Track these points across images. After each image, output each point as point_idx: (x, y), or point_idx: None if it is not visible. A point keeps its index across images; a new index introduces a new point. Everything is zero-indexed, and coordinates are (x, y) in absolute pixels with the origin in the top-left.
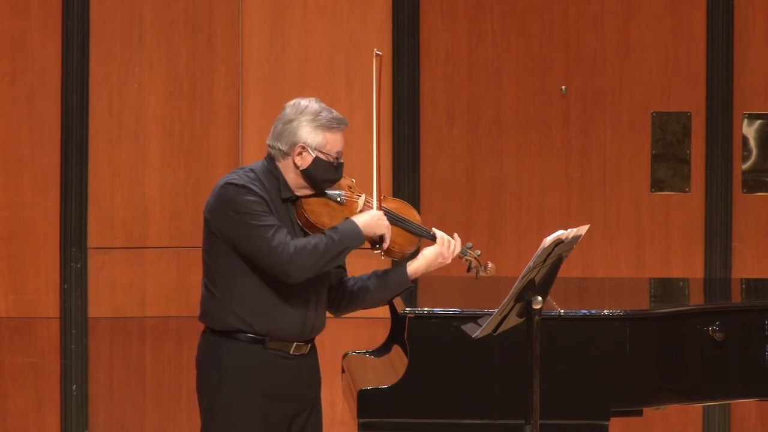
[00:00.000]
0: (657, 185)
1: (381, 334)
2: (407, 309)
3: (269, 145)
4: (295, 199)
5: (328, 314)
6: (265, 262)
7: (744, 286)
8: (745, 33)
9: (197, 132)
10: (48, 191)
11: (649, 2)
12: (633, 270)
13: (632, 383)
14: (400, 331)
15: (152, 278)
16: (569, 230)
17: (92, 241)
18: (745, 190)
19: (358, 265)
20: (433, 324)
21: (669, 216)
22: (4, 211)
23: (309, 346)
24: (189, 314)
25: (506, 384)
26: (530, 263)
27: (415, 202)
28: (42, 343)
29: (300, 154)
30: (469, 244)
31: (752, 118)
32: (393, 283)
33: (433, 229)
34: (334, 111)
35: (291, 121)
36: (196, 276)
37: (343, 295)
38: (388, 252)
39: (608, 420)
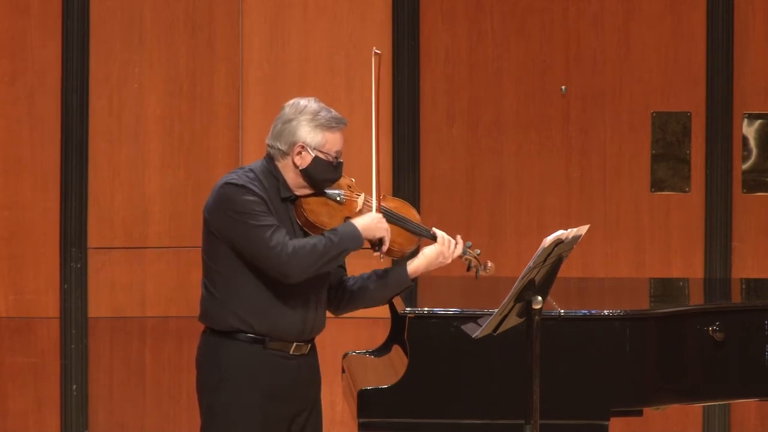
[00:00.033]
0: (657, 185)
1: (381, 334)
2: (407, 309)
3: (268, 145)
4: (294, 199)
5: (328, 314)
6: (263, 262)
7: (744, 286)
8: (745, 33)
9: (197, 132)
10: (48, 191)
11: (649, 2)
12: (633, 270)
13: (632, 383)
14: (400, 331)
15: (152, 278)
16: (569, 230)
17: (92, 241)
18: (745, 190)
19: (358, 265)
20: (433, 324)
21: (669, 216)
22: (4, 211)
23: (309, 346)
24: (189, 314)
25: (506, 384)
26: (530, 263)
27: (415, 202)
28: (42, 343)
29: (299, 153)
30: (469, 243)
31: (752, 118)
32: (393, 282)
33: (433, 228)
34: (333, 110)
35: (290, 120)
36: (196, 276)
37: (342, 295)
38: (387, 252)
39: (608, 420)
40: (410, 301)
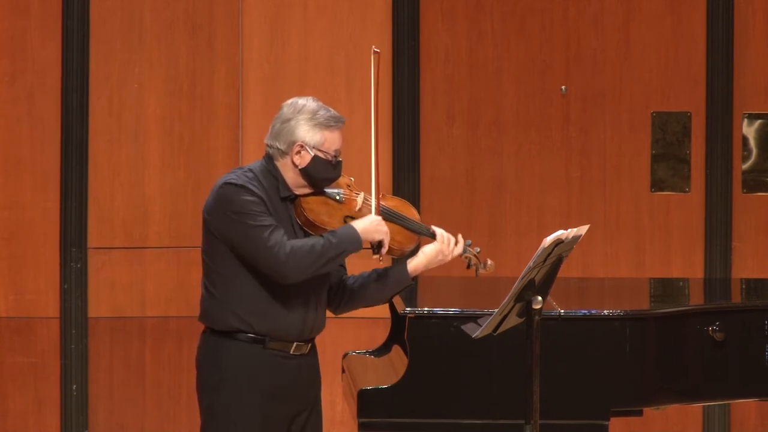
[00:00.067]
0: (657, 185)
1: (381, 334)
2: (407, 309)
3: (267, 145)
4: (294, 198)
5: (327, 314)
6: (261, 262)
7: (744, 286)
8: (745, 33)
9: (197, 132)
10: (48, 191)
11: (649, 2)
12: (633, 270)
13: (632, 383)
14: (400, 331)
15: (152, 278)
16: (569, 230)
17: (92, 241)
18: (745, 190)
19: (358, 265)
20: (433, 324)
21: (669, 216)
22: (4, 211)
23: (309, 345)
24: (189, 314)
25: (506, 384)
26: (530, 263)
27: (415, 202)
28: (42, 343)
29: (298, 152)
30: (469, 242)
31: (752, 118)
32: (393, 280)
33: (433, 226)
34: (331, 109)
35: (289, 120)
36: (196, 276)
37: (342, 294)
38: (387, 251)
39: (608, 420)
40: (410, 301)
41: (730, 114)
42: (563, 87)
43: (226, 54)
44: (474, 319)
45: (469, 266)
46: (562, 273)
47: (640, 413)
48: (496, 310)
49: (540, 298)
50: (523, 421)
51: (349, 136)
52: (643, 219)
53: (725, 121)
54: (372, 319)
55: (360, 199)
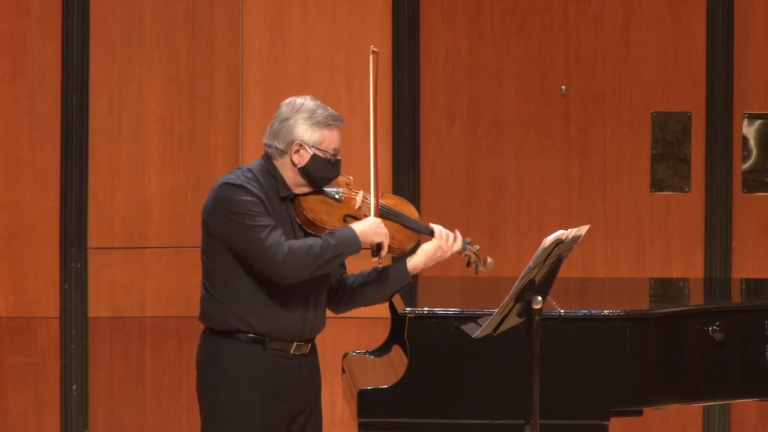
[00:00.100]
0: (657, 185)
1: (381, 334)
2: (407, 309)
3: (266, 144)
4: (293, 198)
5: (328, 313)
6: (259, 262)
7: (744, 286)
8: (745, 33)
9: (197, 132)
10: (48, 191)
11: (649, 2)
12: (633, 270)
13: (632, 383)
14: (400, 331)
15: (152, 278)
16: (569, 230)
17: (92, 241)
18: (745, 190)
19: (359, 265)
20: (433, 324)
21: (669, 216)
22: (4, 211)
23: (309, 345)
24: (189, 314)
25: (506, 384)
26: (530, 263)
27: (415, 202)
28: (42, 343)
29: (297, 151)
30: (468, 239)
31: (752, 118)
32: (393, 279)
33: (431, 224)
34: (329, 108)
35: (287, 119)
36: (196, 276)
37: (342, 293)
38: (387, 250)
39: (608, 420)
40: (410, 301)
41: (730, 114)
42: (563, 87)
43: (226, 54)
44: (474, 319)
45: (468, 264)
46: (562, 273)
47: (640, 413)
48: (496, 310)
49: (540, 298)
50: (523, 421)
51: (348, 135)
52: (643, 219)
53: (725, 121)
54: (372, 319)
55: (359, 197)
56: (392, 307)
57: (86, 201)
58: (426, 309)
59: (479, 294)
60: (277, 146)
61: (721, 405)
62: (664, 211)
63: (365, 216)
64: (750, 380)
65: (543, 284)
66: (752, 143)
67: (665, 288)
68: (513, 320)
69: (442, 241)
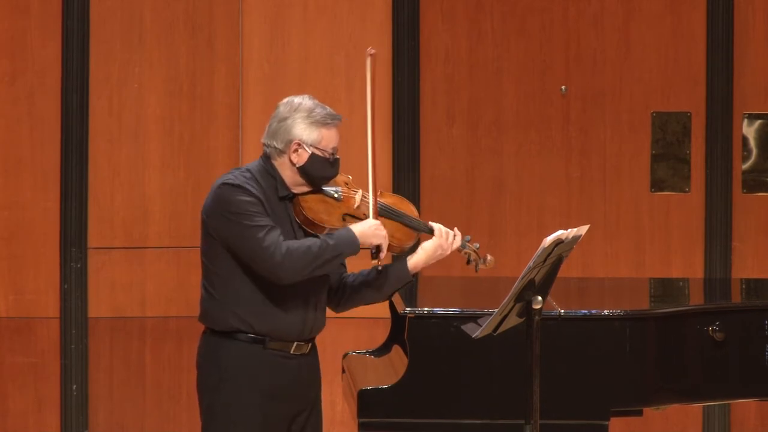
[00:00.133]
0: (657, 185)
1: (381, 334)
2: (407, 309)
3: (264, 144)
4: (292, 197)
5: (328, 313)
6: (257, 262)
7: (744, 286)
8: (745, 33)
9: (197, 132)
10: (48, 191)
11: (649, 2)
12: (633, 270)
13: (632, 383)
14: (400, 331)
15: (152, 278)
16: (569, 230)
17: (92, 241)
18: (745, 190)
19: (359, 265)
20: (433, 324)
21: (669, 216)
22: (4, 211)
23: (309, 345)
24: (189, 314)
25: (506, 384)
26: (530, 263)
27: (415, 202)
28: (42, 343)
29: (296, 151)
30: (468, 237)
31: (752, 118)
32: (393, 277)
33: (431, 222)
34: (327, 107)
35: (285, 118)
36: (196, 276)
37: (343, 292)
38: (387, 248)
39: (608, 420)
40: (410, 301)
41: (730, 114)
42: (563, 87)
43: (226, 54)
44: (474, 319)
45: (468, 262)
46: (562, 273)
47: (640, 413)
48: (496, 310)
49: (540, 298)
50: (523, 421)
51: (349, 135)
52: (643, 219)
53: (725, 121)
54: (372, 319)
55: (358, 196)
56: (392, 307)
57: (86, 201)
58: (426, 309)
59: (479, 294)
60: (276, 146)
61: (721, 405)
62: (664, 211)
63: (364, 215)
64: (750, 380)
65: (543, 284)
66: (752, 143)
67: (665, 288)
68: (513, 320)
69: (442, 240)
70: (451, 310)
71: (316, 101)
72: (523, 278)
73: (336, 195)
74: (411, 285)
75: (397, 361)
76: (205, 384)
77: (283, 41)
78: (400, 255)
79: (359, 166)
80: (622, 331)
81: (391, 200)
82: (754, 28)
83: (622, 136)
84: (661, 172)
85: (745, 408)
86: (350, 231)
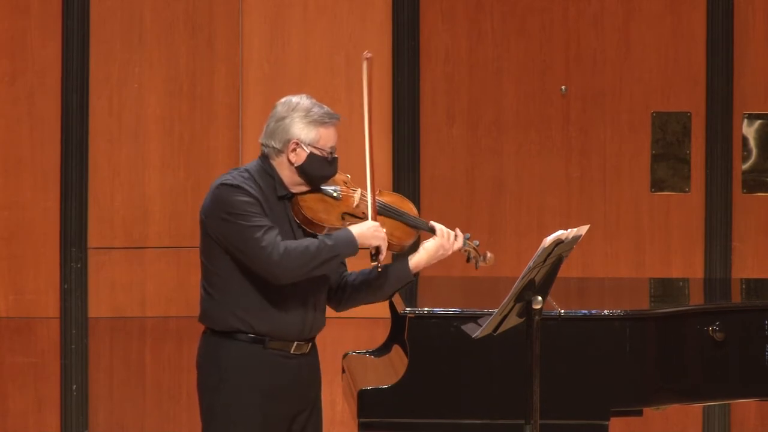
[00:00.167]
0: (657, 185)
1: (381, 334)
2: (407, 309)
3: (263, 144)
4: (290, 197)
5: (328, 313)
6: (255, 262)
7: (744, 286)
8: (745, 33)
9: (197, 132)
10: (48, 191)
11: (649, 2)
12: (633, 270)
13: (632, 383)
14: (400, 331)
15: (152, 278)
16: (569, 230)
17: (92, 241)
18: (745, 190)
19: (359, 265)
20: (433, 324)
21: (669, 216)
22: (4, 211)
23: (309, 345)
24: (189, 314)
25: (506, 384)
26: (530, 263)
27: (415, 202)
28: (42, 343)
29: (294, 150)
30: (468, 235)
31: (752, 118)
32: (394, 277)
33: (431, 221)
34: (325, 106)
35: (283, 118)
36: (196, 276)
37: (343, 291)
38: (387, 246)
39: (608, 420)
40: (410, 301)
41: (730, 114)
42: (563, 87)
43: (226, 54)
44: (474, 319)
45: (468, 259)
46: (562, 273)
47: (640, 413)
48: (496, 310)
49: (540, 298)
50: (523, 421)
51: (348, 135)
52: (643, 219)
53: (725, 121)
54: (372, 319)
55: (357, 195)
56: (392, 307)
57: (86, 201)
58: (426, 309)
59: (479, 294)
60: (274, 145)
61: (721, 405)
62: (664, 211)
63: (363, 213)
64: (750, 380)
65: (543, 284)
66: (752, 143)
67: (665, 288)
68: (513, 320)
69: (444, 240)
70: (451, 310)
71: (314, 100)
72: (523, 278)
73: (335, 194)
74: (411, 285)
75: (397, 361)
76: (205, 384)
77: (283, 41)
78: (401, 253)
79: (359, 166)
80: (622, 331)
81: (390, 199)
82: (754, 28)
83: (622, 136)
84: (661, 172)
85: (745, 408)
86: (349, 232)
